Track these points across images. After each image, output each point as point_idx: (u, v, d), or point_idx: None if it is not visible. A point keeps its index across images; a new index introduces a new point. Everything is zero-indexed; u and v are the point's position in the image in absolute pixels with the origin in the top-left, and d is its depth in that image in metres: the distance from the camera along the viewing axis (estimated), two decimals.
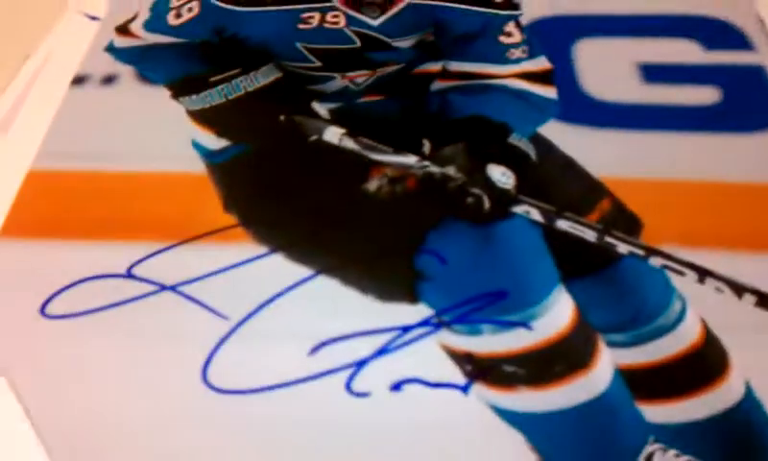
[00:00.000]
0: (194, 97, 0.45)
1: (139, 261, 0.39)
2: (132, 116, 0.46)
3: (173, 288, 0.38)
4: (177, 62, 0.47)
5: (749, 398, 0.34)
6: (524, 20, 0.48)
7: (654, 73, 0.48)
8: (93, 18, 0.52)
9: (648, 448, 0.32)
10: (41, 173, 0.43)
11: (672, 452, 0.32)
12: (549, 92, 0.46)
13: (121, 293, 0.38)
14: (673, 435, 0.33)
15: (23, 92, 0.48)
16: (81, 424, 0.34)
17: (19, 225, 0.41)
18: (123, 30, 0.48)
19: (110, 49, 0.48)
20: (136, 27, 0.48)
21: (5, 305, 0.38)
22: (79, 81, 0.48)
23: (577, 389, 0.34)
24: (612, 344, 0.35)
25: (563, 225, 0.39)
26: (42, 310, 0.37)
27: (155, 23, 0.48)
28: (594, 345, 0.35)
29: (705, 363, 0.35)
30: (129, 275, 0.38)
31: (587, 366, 0.35)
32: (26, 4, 0.56)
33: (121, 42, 0.48)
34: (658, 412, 0.33)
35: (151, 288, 0.38)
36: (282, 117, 0.44)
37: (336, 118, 0.45)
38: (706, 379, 0.34)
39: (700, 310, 0.36)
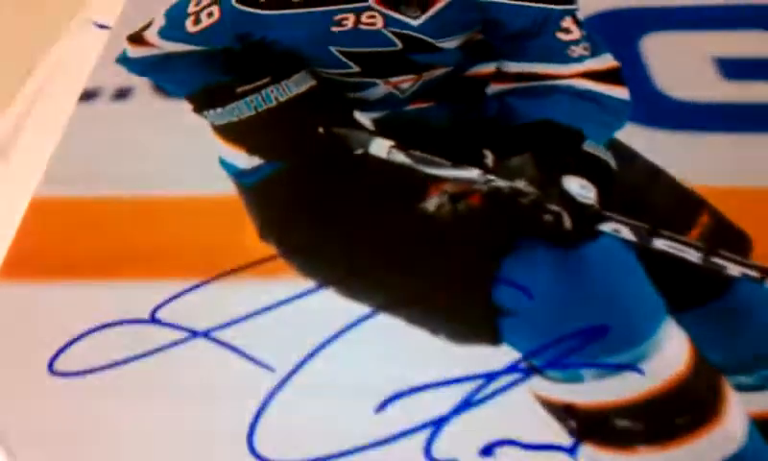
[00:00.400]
0: (219, 110, 0.39)
1: (164, 303, 0.32)
2: (148, 134, 0.40)
3: (206, 334, 0.31)
4: (198, 72, 0.42)
5: None
6: (582, 15, 0.42)
7: (733, 68, 0.41)
8: (103, 27, 0.46)
9: None
10: (46, 201, 0.37)
11: None
12: (620, 92, 0.40)
13: (144, 342, 0.31)
14: None
15: (25, 111, 0.42)
16: None
17: (22, 263, 0.34)
18: (136, 39, 0.43)
19: (123, 60, 0.43)
20: (151, 35, 0.42)
21: (6, 361, 0.31)
22: (88, 96, 0.42)
23: (708, 446, 0.27)
24: (739, 388, 0.28)
25: (660, 244, 0.32)
26: (50, 366, 0.30)
27: (171, 30, 0.42)
28: (720, 389, 0.28)
29: None
30: (153, 320, 0.32)
31: (715, 416, 0.28)
32: (29, 12, 0.51)
33: (135, 52, 0.43)
34: None
35: (179, 335, 0.31)
36: (321, 129, 0.39)
37: (381, 129, 0.39)
38: None
39: None
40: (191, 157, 0.39)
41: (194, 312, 0.32)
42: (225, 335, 0.31)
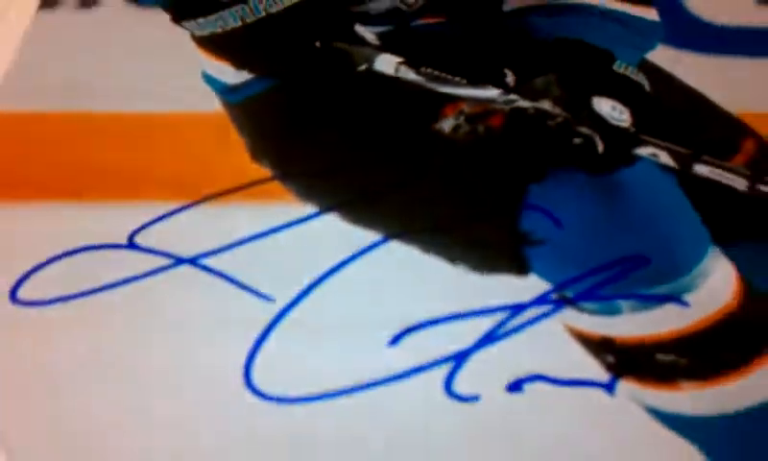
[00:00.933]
0: (201, 21, 0.38)
1: (143, 227, 0.31)
2: (119, 45, 0.39)
3: (192, 261, 0.30)
4: None
5: None
6: None
7: None
8: None
9: None
10: (6, 115, 0.36)
11: None
12: (649, 13, 0.40)
13: (121, 269, 0.30)
14: None
15: None
16: (65, 442, 0.26)
17: None
18: None
19: None
20: None
21: None
22: (49, 3, 0.41)
23: (756, 383, 0.27)
24: None
25: (702, 170, 0.32)
26: (13, 295, 0.30)
27: None
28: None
29: None
30: (131, 245, 0.31)
31: (764, 351, 0.27)
32: None
33: None
34: None
35: (162, 262, 0.30)
36: (318, 43, 0.38)
37: (387, 44, 0.38)
38: None
39: None
40: (170, 71, 0.38)
41: (178, 238, 0.31)
42: (215, 262, 0.30)
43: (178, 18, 0.40)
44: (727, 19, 0.41)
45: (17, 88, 0.37)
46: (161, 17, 0.40)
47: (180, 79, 0.38)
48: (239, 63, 0.38)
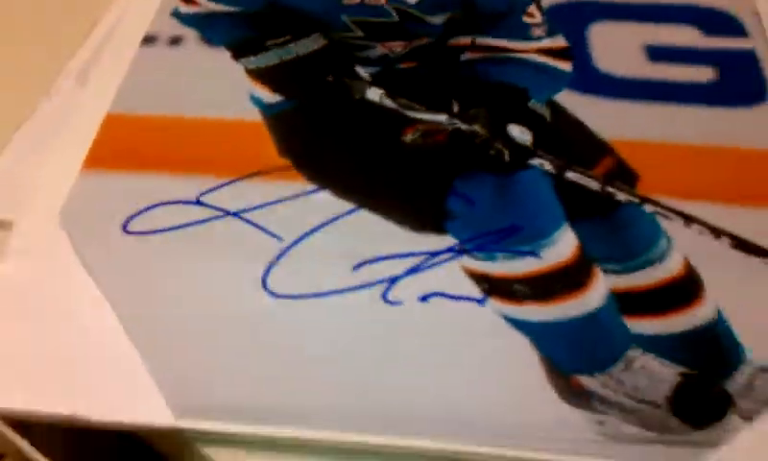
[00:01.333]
0: (252, 58, 0.55)
1: (207, 191, 0.47)
2: (197, 73, 0.55)
3: (236, 214, 0.46)
4: (235, 28, 0.57)
5: (719, 319, 0.43)
6: (544, 4, 0.59)
7: (658, 53, 0.57)
8: None
9: (630, 353, 0.42)
10: (118, 116, 0.52)
11: (651, 356, 0.42)
12: (564, 66, 0.56)
13: (192, 216, 0.46)
14: (652, 343, 0.41)
15: (96, 51, 0.56)
16: (159, 317, 0.42)
17: (100, 159, 0.49)
18: None
19: (176, 14, 0.58)
20: None
21: (91, 223, 0.46)
22: (148, 40, 0.56)
23: (575, 305, 0.43)
24: (607, 271, 0.44)
25: (571, 176, 0.49)
26: (125, 227, 0.46)
27: None
28: (591, 272, 0.44)
29: (684, 290, 0.43)
30: (198, 202, 0.47)
31: (583, 287, 0.43)
32: None
33: (185, 8, 0.59)
34: (641, 326, 0.42)
35: (217, 213, 0.46)
36: (330, 78, 0.54)
37: (376, 81, 0.54)
38: (683, 302, 0.43)
39: (683, 248, 0.45)
40: (229, 92, 0.53)
41: (228, 199, 0.47)
42: (249, 216, 0.46)
43: (236, 56, 0.56)
44: (622, 72, 0.56)
45: (126, 99, 0.53)
46: (225, 54, 0.56)
47: (236, 97, 0.53)
48: (274, 89, 0.54)
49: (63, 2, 0.63)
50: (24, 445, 0.51)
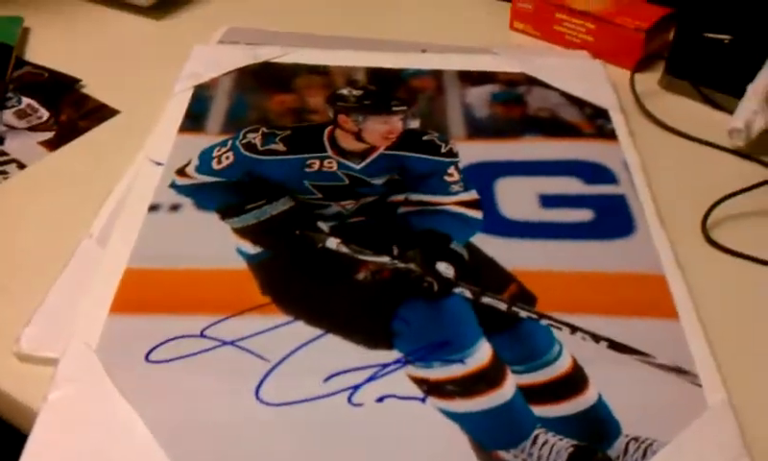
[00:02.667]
0: (235, 219, 0.63)
1: (208, 326, 0.55)
2: (194, 232, 0.63)
3: (232, 343, 0.54)
4: (221, 195, 0.66)
5: (600, 403, 0.53)
6: (461, 164, 0.71)
7: (549, 200, 0.67)
8: (159, 164, 0.69)
9: (536, 432, 0.52)
10: (134, 270, 0.59)
11: (551, 434, 0.52)
12: (477, 214, 0.65)
13: (198, 346, 0.54)
14: (552, 423, 0.51)
15: (111, 218, 0.64)
16: (179, 424, 0.50)
17: (123, 305, 0.57)
18: (181, 172, 0.68)
19: (173, 186, 0.66)
20: (190, 170, 0.69)
21: (121, 355, 0.54)
22: (154, 208, 0.64)
23: (493, 398, 0.52)
24: (515, 372, 0.54)
25: (485, 300, 0.59)
26: (147, 358, 0.53)
27: (203, 167, 0.69)
28: (503, 372, 0.54)
29: (573, 382, 0.53)
30: (202, 335, 0.55)
31: (498, 385, 0.53)
32: (106, 153, 0.73)
33: (180, 181, 0.67)
34: (543, 410, 0.52)
35: (217, 343, 0.54)
36: (297, 231, 0.62)
37: (333, 232, 0.62)
38: (573, 392, 0.53)
39: (571, 350, 0.56)
40: (220, 246, 0.62)
41: (225, 331, 0.56)
42: (242, 343, 0.55)
43: (223, 217, 0.63)
44: (521, 217, 0.67)
45: (139, 257, 0.62)
46: (215, 216, 0.65)
47: (226, 250, 0.62)
48: (255, 242, 0.61)
49: (84, 176, 0.71)
50: None
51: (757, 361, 0.58)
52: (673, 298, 0.61)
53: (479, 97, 0.81)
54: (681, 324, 0.60)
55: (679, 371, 0.56)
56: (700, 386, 0.55)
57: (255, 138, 0.70)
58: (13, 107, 0.76)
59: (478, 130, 0.74)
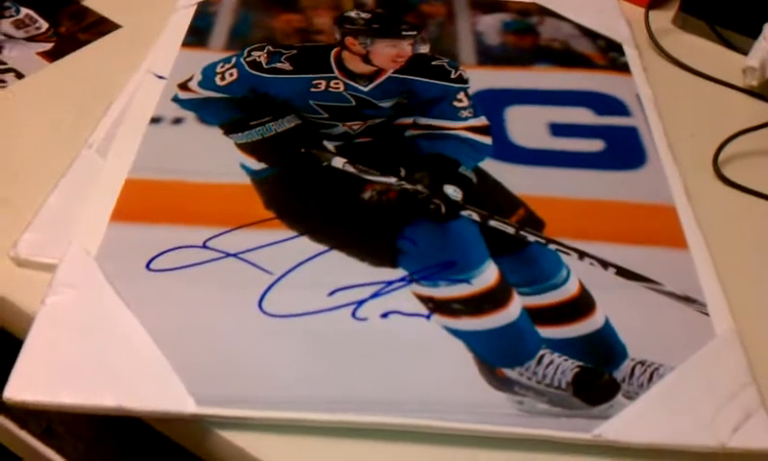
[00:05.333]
0: (240, 134, 0.63)
1: (211, 238, 0.55)
2: (197, 146, 0.62)
3: (235, 255, 0.54)
4: (225, 111, 0.66)
5: (607, 326, 0.53)
6: (470, 92, 0.70)
7: (559, 129, 0.67)
8: (161, 77, 0.68)
9: (541, 351, 0.52)
10: (136, 180, 0.59)
11: (556, 354, 0.53)
12: (486, 140, 0.65)
13: (200, 258, 0.54)
14: (558, 345, 0.51)
15: (112, 129, 0.63)
16: (179, 331, 0.51)
17: (124, 213, 0.57)
18: (184, 86, 0.68)
19: (176, 99, 0.66)
20: (193, 85, 0.68)
21: (120, 263, 0.54)
22: (155, 121, 0.64)
23: (498, 318, 0.53)
24: (521, 293, 0.55)
25: (492, 223, 0.59)
26: (148, 266, 0.53)
27: (206, 83, 0.69)
28: (510, 293, 0.55)
29: (580, 305, 0.54)
30: (204, 246, 0.55)
31: (504, 305, 0.54)
32: (107, 66, 0.72)
33: (183, 95, 0.67)
34: (549, 332, 0.52)
35: (219, 255, 0.54)
36: (303, 149, 0.62)
37: (339, 152, 0.62)
38: (579, 315, 0.53)
39: (579, 275, 0.56)
40: (223, 161, 0.63)
41: (228, 244, 0.56)
42: (246, 256, 0.55)
43: (227, 133, 0.63)
44: (531, 144, 0.67)
45: (140, 167, 0.61)
46: (218, 131, 0.64)
47: (230, 165, 0.61)
48: (259, 158, 0.61)
49: (85, 87, 0.70)
50: (43, 448, 0.60)
51: (765, 293, 0.58)
52: (683, 228, 0.62)
53: (490, 25, 0.80)
54: (690, 253, 0.60)
55: (687, 299, 0.56)
56: (707, 315, 0.56)
57: (260, 57, 0.70)
58: (11, 16, 0.74)
59: (489, 57, 0.74)
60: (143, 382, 0.49)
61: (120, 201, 0.58)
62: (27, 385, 0.49)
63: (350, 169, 0.61)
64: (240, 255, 0.55)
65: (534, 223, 0.59)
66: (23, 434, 0.57)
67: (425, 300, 0.53)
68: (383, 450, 0.48)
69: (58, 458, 0.59)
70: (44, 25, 0.74)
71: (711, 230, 0.60)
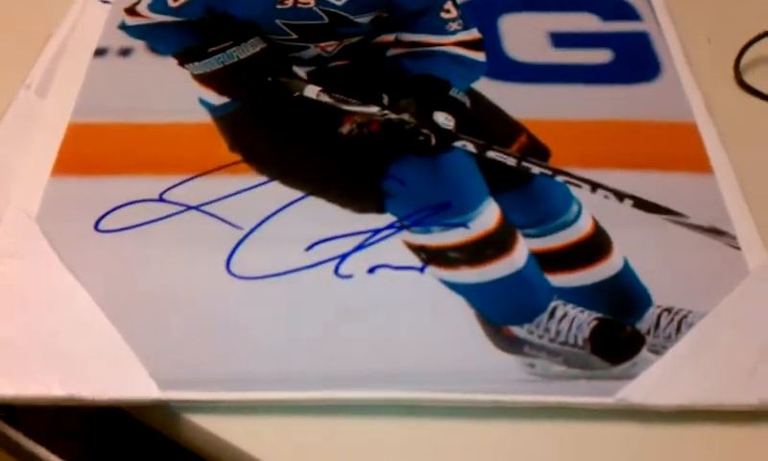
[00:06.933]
0: (197, 64, 0.58)
1: (168, 189, 0.50)
2: (148, 80, 0.58)
3: (196, 208, 0.49)
4: (180, 37, 0.60)
5: (626, 269, 0.48)
6: (459, 0, 0.64)
7: (561, 39, 0.62)
8: (105, 2, 0.63)
9: (553, 304, 0.47)
10: (79, 125, 0.54)
11: (571, 306, 0.47)
12: (479, 56, 0.61)
13: (157, 213, 0.49)
14: (571, 294, 0.46)
15: (51, 64, 0.59)
16: (135, 302, 0.45)
17: (67, 166, 0.52)
18: (131, 11, 0.62)
19: (123, 27, 0.61)
20: (142, 8, 0.63)
21: (65, 224, 0.49)
22: (100, 53, 0.59)
23: (502, 266, 0.48)
24: (527, 236, 0.49)
25: (491, 154, 0.54)
26: (96, 227, 0.48)
27: (157, 5, 0.62)
28: (514, 237, 0.49)
29: (594, 246, 0.49)
30: (161, 199, 0.50)
31: (508, 251, 0.48)
32: None
33: (131, 21, 0.62)
34: (561, 280, 0.47)
35: (179, 208, 0.49)
36: (269, 78, 0.57)
37: (312, 79, 0.57)
38: (594, 257, 0.48)
39: (592, 210, 0.51)
40: (179, 97, 0.57)
41: (188, 195, 0.50)
42: (209, 208, 0.49)
43: (182, 63, 0.59)
44: (530, 59, 0.62)
45: (84, 109, 0.56)
46: (172, 61, 0.60)
47: (186, 101, 0.56)
48: (220, 91, 0.56)
49: (19, 17, 0.65)
50: (12, 432, 0.54)
51: None
52: (705, 149, 0.56)
53: None
54: (715, 178, 0.54)
55: (715, 231, 0.51)
56: (739, 248, 0.50)
57: None
58: None
59: None
60: (97, 366, 0.44)
61: (63, 150, 0.54)
62: None
63: (326, 99, 0.56)
64: (202, 208, 0.50)
65: (538, 151, 0.53)
66: None
67: (418, 249, 0.48)
68: (375, 429, 0.43)
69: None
70: None
71: (737, 148, 0.54)
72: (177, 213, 0.50)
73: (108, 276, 0.46)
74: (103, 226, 0.49)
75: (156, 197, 0.50)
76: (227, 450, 0.43)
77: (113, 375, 0.43)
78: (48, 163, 0.52)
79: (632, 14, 0.64)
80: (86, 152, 0.53)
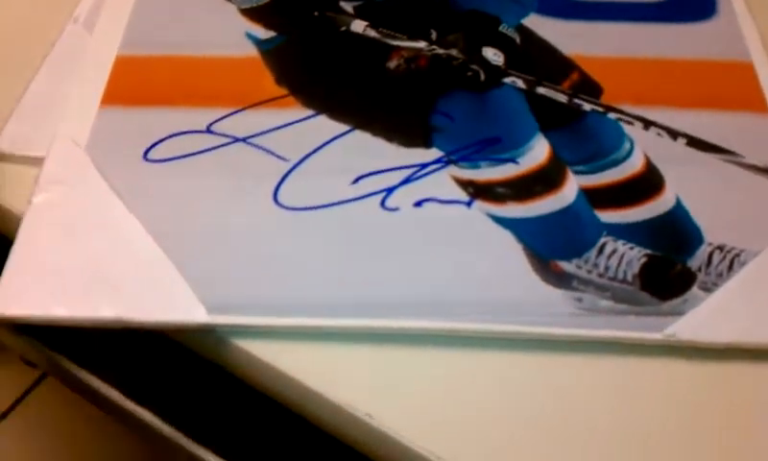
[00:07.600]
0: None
1: (216, 121, 0.51)
2: (195, 14, 0.58)
3: (244, 140, 0.49)
4: None
5: (678, 207, 0.48)
6: None
7: None
8: None
9: (603, 239, 0.47)
10: (127, 58, 0.55)
11: (621, 242, 0.47)
12: None
13: (204, 144, 0.50)
14: (621, 231, 0.46)
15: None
16: (184, 230, 0.46)
17: (115, 97, 0.52)
18: None
19: None
20: None
21: (114, 154, 0.49)
22: None
23: (551, 202, 0.48)
24: (577, 172, 0.49)
25: (541, 90, 0.53)
26: (145, 156, 0.49)
27: None
28: (564, 173, 0.49)
29: (646, 184, 0.48)
30: (208, 131, 0.51)
31: (558, 187, 0.48)
32: None
33: None
34: (611, 216, 0.47)
35: (226, 140, 0.50)
36: (316, 12, 0.57)
37: (359, 13, 0.57)
38: (646, 194, 0.48)
39: (644, 148, 0.50)
40: (225, 30, 0.57)
41: (235, 127, 0.51)
42: (256, 140, 0.50)
43: None
44: None
45: (132, 42, 0.56)
46: None
47: (233, 35, 0.56)
48: (267, 25, 0.56)
49: None
50: (63, 361, 0.55)
51: None
52: (763, 89, 0.55)
53: None
54: None
55: None
56: None
57: None
58: None
59: None
60: (145, 289, 0.44)
61: (111, 81, 0.54)
62: (15, 298, 0.44)
63: (372, 33, 0.56)
64: (250, 140, 0.50)
65: (589, 88, 0.53)
66: None
67: (465, 184, 0.48)
68: (419, 359, 0.43)
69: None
70: None
71: None
72: (224, 145, 0.50)
73: (157, 204, 0.47)
74: (151, 156, 0.49)
75: (204, 128, 0.50)
76: (272, 375, 0.43)
77: (162, 299, 0.44)
78: (97, 95, 0.52)
79: None
80: (134, 84, 0.53)
